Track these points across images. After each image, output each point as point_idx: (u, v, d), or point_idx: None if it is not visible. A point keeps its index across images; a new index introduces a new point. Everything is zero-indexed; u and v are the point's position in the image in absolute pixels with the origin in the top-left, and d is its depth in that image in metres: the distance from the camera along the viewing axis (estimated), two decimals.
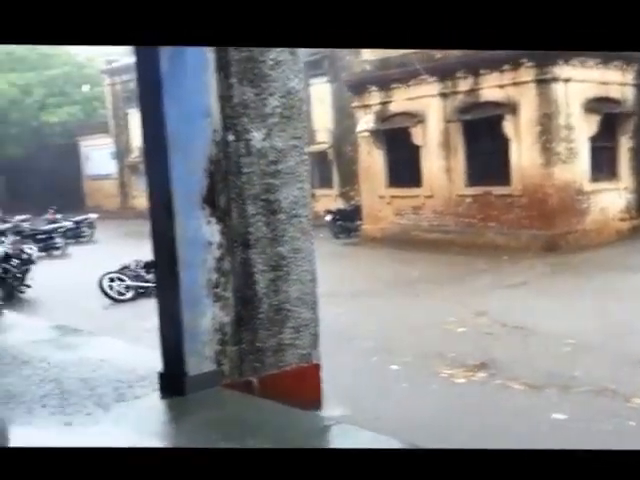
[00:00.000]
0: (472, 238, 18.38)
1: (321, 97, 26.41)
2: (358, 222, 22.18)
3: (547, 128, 17.16)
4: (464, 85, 18.56)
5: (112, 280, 13.85)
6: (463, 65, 18.08)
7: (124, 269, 14.27)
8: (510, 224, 17.94)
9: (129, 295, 13.79)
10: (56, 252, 22.40)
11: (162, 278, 4.01)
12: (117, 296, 13.71)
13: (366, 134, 21.17)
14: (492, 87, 17.93)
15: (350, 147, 25.25)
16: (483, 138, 18.52)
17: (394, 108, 20.44)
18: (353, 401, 7.01)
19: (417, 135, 19.84)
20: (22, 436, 3.57)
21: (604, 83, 17.96)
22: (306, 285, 4.17)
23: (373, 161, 21.24)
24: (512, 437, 5.87)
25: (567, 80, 17.21)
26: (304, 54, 5.90)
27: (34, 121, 39.52)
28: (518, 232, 17.62)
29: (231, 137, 3.89)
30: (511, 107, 17.54)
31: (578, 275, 13.92)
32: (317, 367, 4.26)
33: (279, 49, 3.96)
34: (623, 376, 7.43)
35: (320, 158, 26.55)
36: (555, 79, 17.09)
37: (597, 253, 16.14)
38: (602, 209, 18.13)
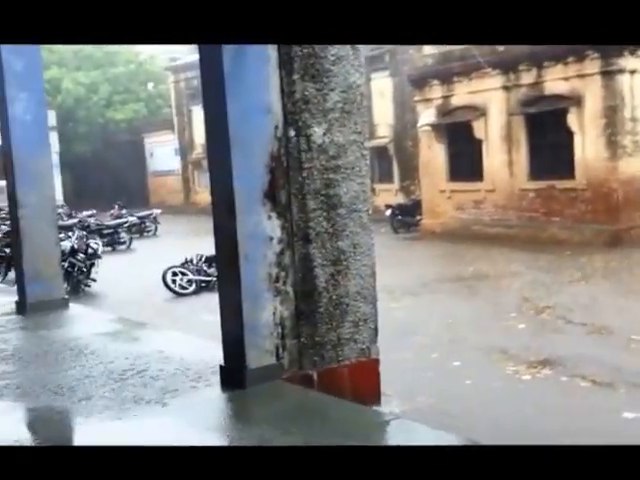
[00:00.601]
0: (534, 233, 18.11)
1: (382, 91, 26.33)
2: (418, 217, 22.06)
3: (612, 121, 16.78)
4: (527, 78, 18.27)
5: (175, 274, 14.08)
6: (526, 57, 17.79)
7: (187, 263, 14.50)
8: (573, 218, 17.61)
9: (191, 289, 14.01)
10: (121, 247, 22.89)
11: (223, 272, 4.07)
12: (180, 290, 13.94)
13: (427, 128, 21.03)
14: (556, 79, 17.60)
15: (410, 141, 25.12)
16: (546, 131, 18.20)
17: (456, 102, 20.26)
18: (418, 397, 6.99)
19: (479, 129, 19.62)
20: (82, 428, 3.66)
21: None
22: (365, 280, 4.17)
23: (434, 155, 21.08)
24: (580, 435, 5.77)
25: (633, 72, 16.79)
26: (365, 49, 5.90)
27: (100, 118, 40.39)
28: (581, 227, 17.29)
29: (292, 133, 3.92)
30: (575, 99, 17.19)
31: None
32: (376, 362, 4.26)
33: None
34: None
35: (380, 153, 26.49)
36: (621, 71, 16.69)
37: None
38: None
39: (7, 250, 14.76)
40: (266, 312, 3.86)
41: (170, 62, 39.38)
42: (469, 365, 8.10)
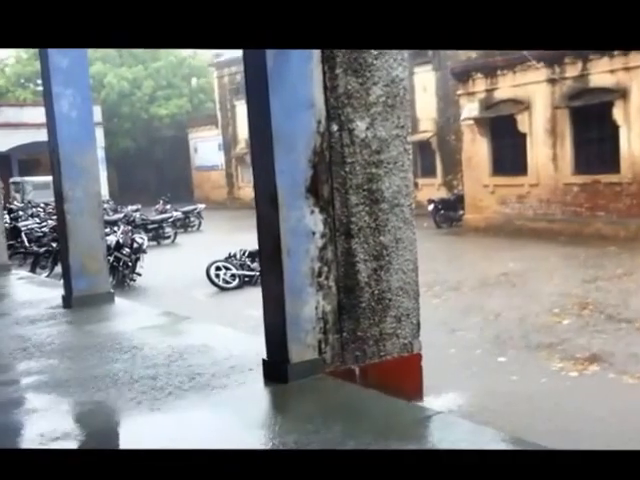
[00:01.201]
0: (579, 227, 17.87)
1: (425, 85, 26.17)
2: (461, 211, 21.90)
3: None
4: (572, 70, 17.99)
5: (219, 269, 14.19)
6: (572, 50, 17.51)
7: (230, 258, 14.60)
8: (619, 213, 17.32)
9: (235, 283, 14.10)
10: (166, 241, 23.13)
11: (266, 267, 4.09)
12: (223, 284, 14.04)
13: (470, 122, 20.84)
14: (602, 72, 17.30)
15: (453, 135, 24.93)
16: (591, 125, 17.91)
17: (499, 95, 20.03)
18: (462, 393, 6.95)
19: (523, 122, 19.38)
20: (126, 421, 3.72)
21: None
22: (407, 275, 4.15)
23: (477, 149, 20.89)
24: (630, 436, 5.67)
25: None
26: None
27: (144, 114, 40.82)
28: (627, 221, 16.98)
29: (335, 127, 3.91)
30: (621, 92, 16.87)
31: None
32: (418, 357, 4.25)
33: None
34: None
35: (423, 147, 26.34)
36: None
37: None
38: None
39: (54, 244, 15.04)
40: (308, 307, 3.87)
41: (214, 57, 39.61)
42: (514, 361, 8.02)
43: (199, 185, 41.46)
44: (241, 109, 35.73)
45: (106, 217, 17.94)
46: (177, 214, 25.73)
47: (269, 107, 3.69)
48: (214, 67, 39.81)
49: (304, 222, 3.83)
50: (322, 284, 3.90)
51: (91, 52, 34.21)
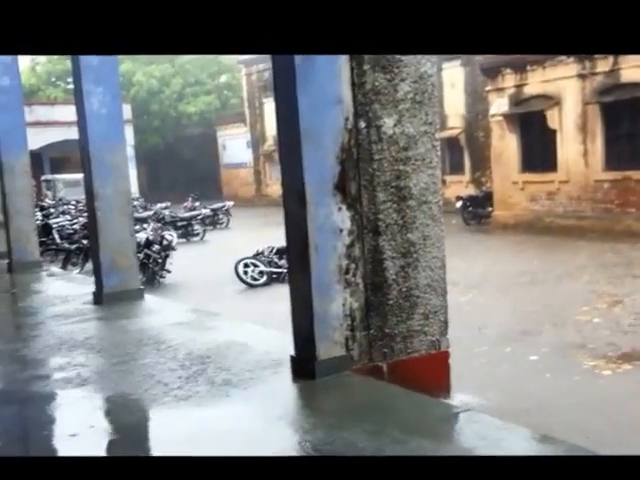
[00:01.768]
0: (609, 224, 17.67)
1: (453, 81, 26.02)
2: (489, 208, 21.76)
3: None
4: (603, 66, 17.77)
5: (247, 266, 14.25)
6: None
7: (258, 255, 14.65)
8: None
9: (263, 280, 14.15)
10: (195, 238, 23.27)
11: (294, 264, 4.10)
12: (251, 281, 14.10)
13: (499, 118, 20.70)
14: (633, 67, 17.07)
15: (482, 132, 24.76)
16: (623, 120, 17.69)
17: (529, 91, 19.87)
18: (494, 392, 6.89)
19: (553, 118, 19.20)
20: (156, 415, 3.75)
21: None
22: (435, 272, 4.14)
23: (506, 146, 20.74)
24: None
25: None
26: None
27: (172, 111, 41.06)
28: None
29: (363, 124, 3.91)
30: None
31: None
32: (446, 354, 4.23)
33: None
34: None
35: (451, 143, 26.20)
36: None
37: None
38: None
39: (84, 241, 15.20)
40: (336, 304, 3.88)
41: (242, 55, 39.71)
42: (545, 359, 7.94)
43: (227, 182, 41.62)
44: (269, 106, 35.81)
45: (136, 214, 18.07)
46: (206, 211, 25.88)
47: (297, 104, 3.70)
48: (243, 64, 39.92)
49: (331, 219, 3.83)
50: (349, 281, 3.91)
51: None
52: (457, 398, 4.36)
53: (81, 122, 6.59)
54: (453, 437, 3.25)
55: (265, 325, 6.20)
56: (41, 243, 13.95)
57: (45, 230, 18.17)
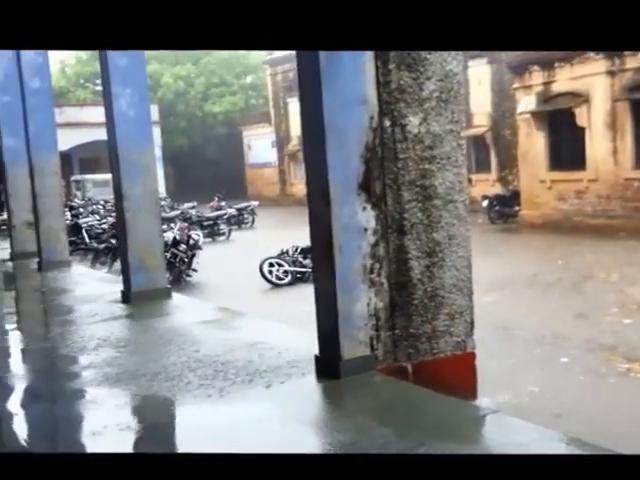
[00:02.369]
0: (639, 224, 17.48)
1: (479, 79, 25.86)
2: (516, 207, 21.60)
3: None
4: (632, 62, 17.56)
5: (272, 265, 14.29)
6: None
7: (283, 255, 14.68)
8: None
9: (287, 280, 14.18)
10: (220, 238, 23.38)
11: (318, 263, 4.10)
12: (276, 280, 14.13)
13: (526, 116, 20.54)
14: None
15: (509, 130, 24.59)
16: None
17: (557, 88, 19.69)
18: (526, 394, 6.81)
19: (581, 116, 19.02)
20: (182, 413, 3.77)
21: None
22: (461, 272, 4.11)
23: (533, 144, 20.57)
24: None
25: None
26: None
27: (198, 112, 41.27)
28: None
29: (387, 123, 3.89)
30: None
31: None
32: (472, 355, 4.20)
33: None
34: None
35: (477, 142, 26.05)
36: None
37: None
38: None
39: (113, 241, 15.34)
40: (360, 303, 3.87)
41: (267, 54, 39.83)
42: (577, 361, 7.84)
43: (252, 182, 41.77)
44: (294, 106, 35.87)
45: (163, 214, 18.20)
46: (231, 211, 26.00)
47: (322, 103, 3.70)
48: (267, 64, 40.03)
49: (356, 218, 3.82)
50: (374, 281, 3.90)
51: (146, 51, 34.70)
52: (484, 400, 4.33)
53: (110, 123, 6.65)
54: (480, 439, 3.23)
55: (289, 324, 6.21)
56: (70, 242, 14.07)
57: (74, 230, 18.37)
